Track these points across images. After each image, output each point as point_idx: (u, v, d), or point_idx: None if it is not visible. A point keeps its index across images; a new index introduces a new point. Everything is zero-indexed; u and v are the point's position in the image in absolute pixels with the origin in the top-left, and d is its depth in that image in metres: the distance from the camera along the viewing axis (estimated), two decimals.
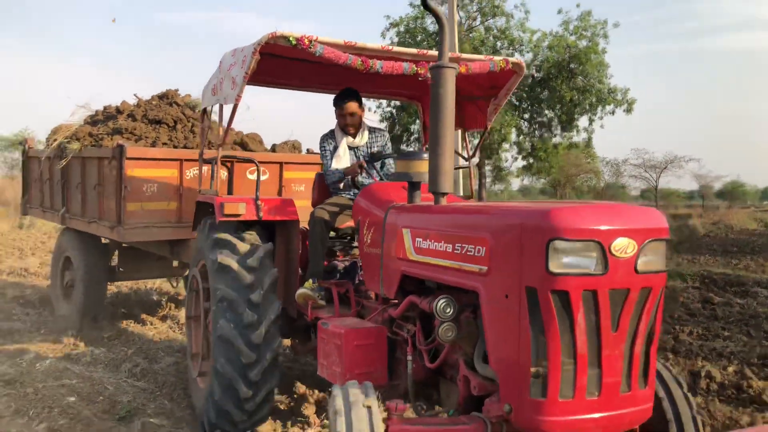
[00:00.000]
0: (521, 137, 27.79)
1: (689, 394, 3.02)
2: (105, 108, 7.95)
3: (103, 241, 7.39)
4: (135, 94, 7.83)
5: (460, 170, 6.00)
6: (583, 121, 26.59)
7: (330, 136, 4.97)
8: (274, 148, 7.83)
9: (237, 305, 4.05)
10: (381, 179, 4.77)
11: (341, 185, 4.83)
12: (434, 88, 3.13)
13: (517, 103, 26.82)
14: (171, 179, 6.21)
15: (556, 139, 28.52)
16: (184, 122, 7.33)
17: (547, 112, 26.65)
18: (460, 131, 5.39)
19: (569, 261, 2.43)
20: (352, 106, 4.83)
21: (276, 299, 4.25)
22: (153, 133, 7.03)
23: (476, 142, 5.35)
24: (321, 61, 4.14)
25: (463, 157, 5.35)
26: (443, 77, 3.13)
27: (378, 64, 3.98)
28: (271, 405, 4.30)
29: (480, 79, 4.61)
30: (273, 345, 4.13)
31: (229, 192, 5.96)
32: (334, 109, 4.89)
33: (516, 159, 29.93)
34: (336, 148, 4.88)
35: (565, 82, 25.07)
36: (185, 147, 6.96)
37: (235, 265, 4.14)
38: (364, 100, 5.08)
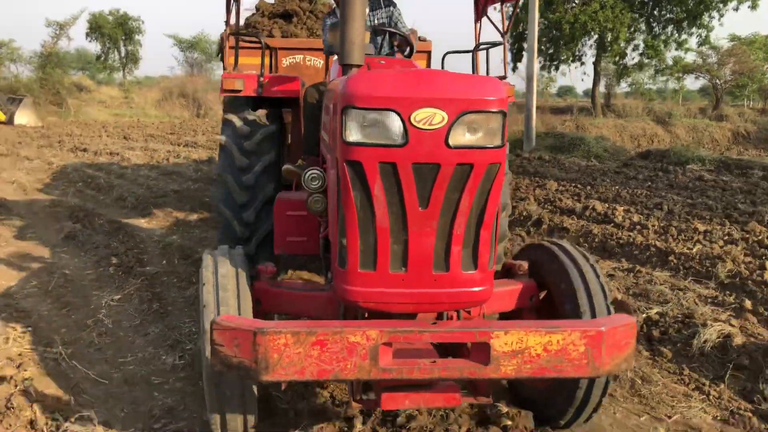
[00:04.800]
0: (636, 34, 28.02)
1: (596, 265, 3.01)
2: (255, 7, 8.31)
3: None
4: None
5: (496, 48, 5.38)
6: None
7: (333, 12, 4.74)
8: None
9: (231, 186, 4.21)
10: (378, 54, 4.35)
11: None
12: None
13: (638, 2, 27.19)
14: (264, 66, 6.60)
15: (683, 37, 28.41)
16: (300, 16, 7.65)
17: (661, 12, 26.78)
18: (499, 4, 5.24)
19: (365, 131, 2.34)
20: None
21: (270, 182, 4.29)
22: (271, 26, 7.42)
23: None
24: None
25: (500, 32, 5.17)
26: None
27: None
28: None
29: None
30: (266, 222, 4.22)
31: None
32: None
33: (640, 57, 29.88)
34: (336, 23, 4.41)
35: None
36: (294, 37, 7.20)
37: (232, 147, 4.27)
38: None
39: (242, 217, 4.20)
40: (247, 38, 5.43)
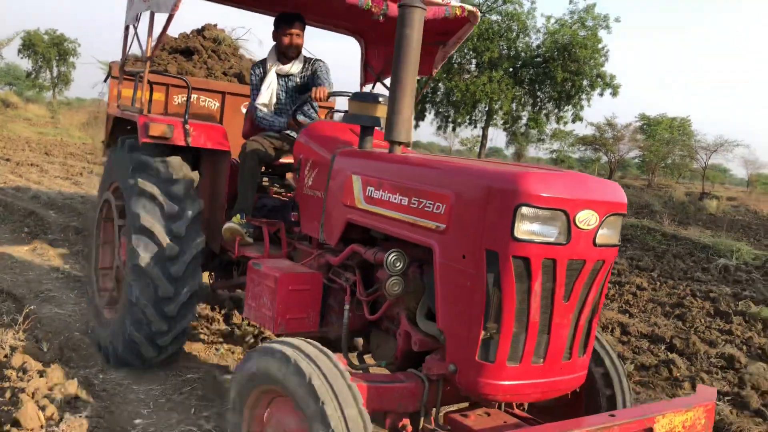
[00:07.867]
0: (518, 107, 32.22)
1: (620, 363, 3.24)
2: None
3: None
4: (193, 31, 8.14)
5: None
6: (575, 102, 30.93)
7: (260, 64, 4.69)
8: None
9: (158, 235, 3.93)
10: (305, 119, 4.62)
11: (271, 124, 4.58)
12: (401, 29, 2.93)
13: (527, 80, 31.47)
14: (158, 102, 5.96)
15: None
16: (201, 54, 7.55)
17: (544, 89, 31.13)
18: None
19: (534, 228, 2.43)
20: (298, 28, 4.56)
21: (200, 232, 4.14)
22: (169, 61, 7.27)
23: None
24: None
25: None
26: (411, 17, 2.93)
27: None
28: (183, 342, 4.31)
29: (434, 24, 4.39)
30: (193, 281, 4.06)
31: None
32: (273, 30, 4.60)
33: (522, 127, 33.82)
34: (263, 77, 4.60)
35: (561, 65, 29.47)
36: (190, 75, 7.04)
37: (157, 192, 3.99)
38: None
39: (170, 273, 3.97)
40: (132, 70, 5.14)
